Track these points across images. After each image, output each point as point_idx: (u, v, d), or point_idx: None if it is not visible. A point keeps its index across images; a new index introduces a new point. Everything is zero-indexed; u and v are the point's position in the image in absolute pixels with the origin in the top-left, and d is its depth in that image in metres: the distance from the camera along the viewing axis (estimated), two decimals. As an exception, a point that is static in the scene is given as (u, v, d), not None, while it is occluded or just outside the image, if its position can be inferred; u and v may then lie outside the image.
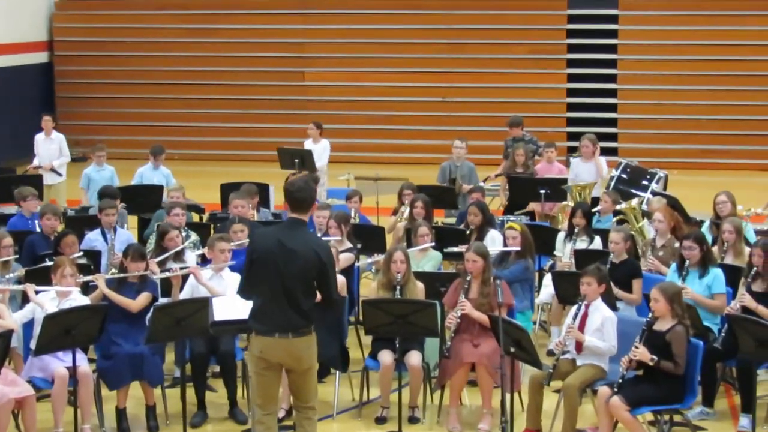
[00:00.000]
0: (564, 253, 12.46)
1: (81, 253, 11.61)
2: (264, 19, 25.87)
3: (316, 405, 8.59)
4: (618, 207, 13.52)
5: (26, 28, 26.01)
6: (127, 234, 13.20)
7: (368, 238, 12.91)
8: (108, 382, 10.07)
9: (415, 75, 25.18)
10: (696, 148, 23.64)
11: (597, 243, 12.32)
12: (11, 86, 22.81)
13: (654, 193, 14.60)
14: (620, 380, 9.25)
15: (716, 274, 10.67)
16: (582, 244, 12.39)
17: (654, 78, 24.76)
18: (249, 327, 8.27)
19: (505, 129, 17.81)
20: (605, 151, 18.69)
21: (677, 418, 9.55)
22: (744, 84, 24.26)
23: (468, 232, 12.60)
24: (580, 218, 12.69)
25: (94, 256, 12.03)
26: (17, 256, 11.67)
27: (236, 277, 10.37)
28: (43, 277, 10.54)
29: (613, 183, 15.23)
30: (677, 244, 11.19)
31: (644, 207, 13.76)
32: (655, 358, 9.11)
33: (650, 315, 9.42)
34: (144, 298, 10.32)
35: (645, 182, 15.25)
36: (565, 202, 14.74)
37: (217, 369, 10.50)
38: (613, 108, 24.97)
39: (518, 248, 11.82)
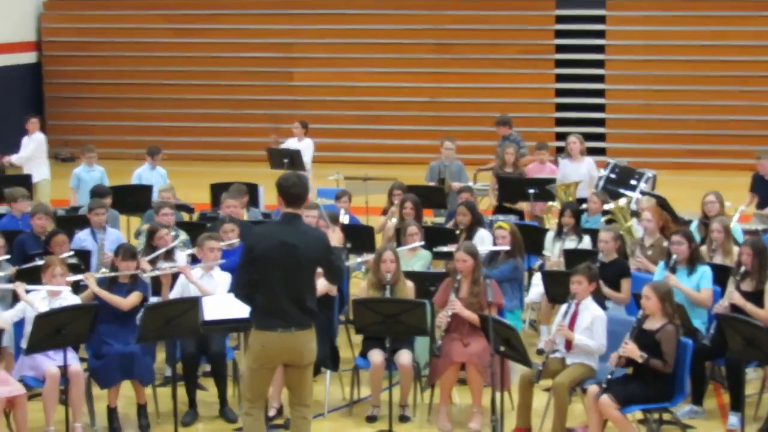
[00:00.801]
0: (553, 252, 12.49)
1: (71, 253, 11.60)
2: (252, 19, 25.88)
3: (311, 405, 8.65)
4: (606, 207, 13.56)
5: (14, 28, 25.99)
6: (117, 233, 13.19)
7: (358, 237, 12.94)
8: (99, 381, 10.08)
9: (404, 75, 25.20)
10: (684, 148, 23.70)
11: (586, 242, 12.36)
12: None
13: (643, 193, 14.64)
14: (609, 377, 9.30)
15: (704, 272, 10.72)
16: (571, 243, 12.42)
17: (642, 78, 24.80)
18: (250, 323, 8.27)
19: (493, 129, 17.84)
20: (594, 152, 18.81)
21: (666, 416, 9.60)
22: (731, 84, 24.34)
23: (457, 231, 12.62)
24: (569, 218, 12.73)
25: (84, 255, 12.04)
26: (8, 256, 11.69)
27: (227, 277, 10.45)
28: (33, 277, 10.54)
29: (601, 183, 15.24)
30: (666, 244, 11.24)
31: (633, 207, 13.81)
32: (645, 355, 9.15)
33: (641, 312, 9.46)
34: (135, 296, 10.34)
35: (633, 182, 15.28)
36: (552, 203, 14.78)
37: (208, 368, 10.51)
38: (601, 108, 25.02)
39: (508, 248, 11.88)
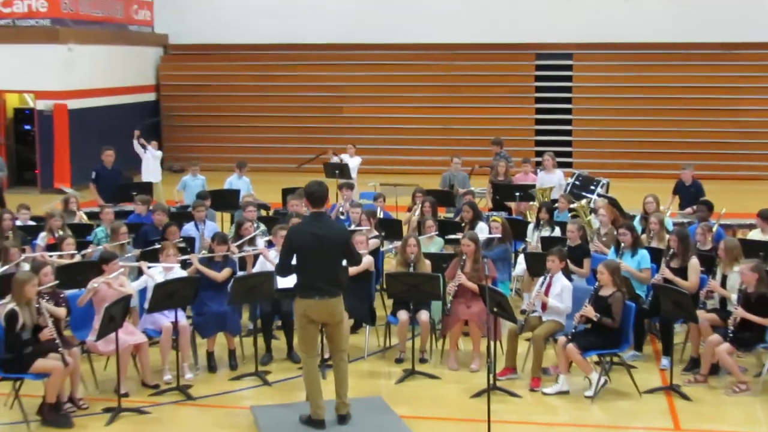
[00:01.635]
0: (533, 239, 12.45)
1: (181, 239, 11.69)
2: (313, 68, 26.04)
3: (347, 349, 8.60)
4: (572, 206, 13.51)
5: (140, 75, 26.20)
6: (213, 225, 13.27)
7: (390, 228, 12.93)
8: (201, 333, 10.16)
9: (424, 109, 25.24)
10: (630, 162, 23.68)
11: (557, 232, 12.31)
12: (128, 118, 22.89)
13: (599, 195, 14.58)
14: (573, 330, 9.33)
15: (644, 254, 10.68)
16: (546, 232, 12.39)
17: (599, 111, 24.88)
18: (297, 293, 8.25)
19: (489, 148, 17.81)
20: (563, 165, 18.73)
21: (616, 359, 9.58)
22: (663, 115, 24.41)
23: (463, 224, 12.60)
24: (545, 213, 12.69)
25: (189, 241, 12.10)
26: (131, 240, 11.77)
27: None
28: (153, 257, 10.67)
29: (568, 188, 15.23)
30: (616, 233, 11.21)
31: (592, 205, 13.74)
32: (599, 315, 9.19)
33: (597, 284, 9.49)
34: (226, 272, 10.41)
35: (592, 187, 15.22)
36: (532, 202, 14.76)
37: (280, 323, 10.53)
38: (568, 133, 25.05)
39: (500, 236, 11.87)
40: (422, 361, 10.14)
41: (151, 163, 18.20)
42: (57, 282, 9.24)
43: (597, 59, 25.11)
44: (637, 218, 12.61)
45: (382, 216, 13.47)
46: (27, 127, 23.20)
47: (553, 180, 15.74)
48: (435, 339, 10.58)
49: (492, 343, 8.94)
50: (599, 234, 12.12)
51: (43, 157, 22.56)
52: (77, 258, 11.14)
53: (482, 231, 12.09)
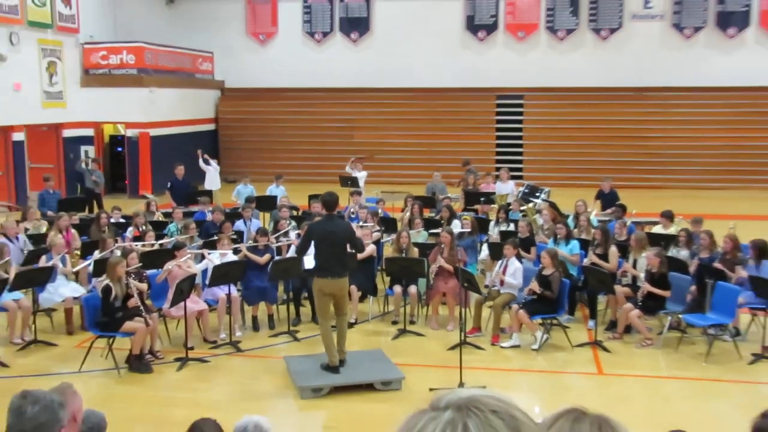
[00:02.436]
0: (494, 232, 12.42)
1: (233, 233, 11.66)
2: (331, 104, 25.94)
3: (347, 313, 8.69)
4: (522, 208, 13.47)
5: (204, 110, 26.15)
6: (258, 222, 13.22)
7: (388, 224, 12.90)
8: (247, 301, 10.17)
9: (413, 136, 25.13)
10: (566, 175, 23.51)
11: (512, 227, 12.27)
12: (194, 142, 22.90)
13: (543, 200, 14.55)
14: (524, 300, 9.30)
15: (575, 244, 10.66)
16: (503, 227, 12.35)
17: (543, 137, 24.76)
18: (315, 273, 8.25)
19: (460, 165, 17.80)
20: (515, 177, 18.70)
21: (555, 322, 9.56)
22: (588, 140, 24.29)
23: (442, 221, 12.57)
24: (502, 213, 12.68)
25: (240, 234, 12.08)
26: (197, 233, 11.76)
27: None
28: (212, 246, 10.65)
29: (520, 194, 15.19)
30: (555, 228, 11.17)
31: (537, 207, 13.70)
32: (542, 289, 9.15)
33: (540, 266, 9.45)
34: (267, 257, 10.39)
35: (538, 194, 15.19)
36: (493, 205, 14.72)
37: (306, 295, 10.50)
38: (520, 154, 24.94)
39: (469, 230, 11.85)
40: (411, 323, 10.13)
41: (212, 175, 18.17)
42: (141, 264, 9.27)
43: (541, 99, 25.03)
44: (571, 217, 12.57)
45: (382, 215, 13.46)
46: (119, 149, 23.20)
47: (507, 189, 15.73)
48: (421, 306, 10.57)
49: (463, 310, 8.95)
50: (542, 228, 12.09)
51: (131, 171, 22.55)
52: (156, 246, 11.13)
53: (456, 226, 12.08)
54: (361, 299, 10.64)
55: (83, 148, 21.96)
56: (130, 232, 12.01)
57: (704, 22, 24.51)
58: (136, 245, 10.91)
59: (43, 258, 10.03)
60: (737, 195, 22.35)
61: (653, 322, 9.84)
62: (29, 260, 10.31)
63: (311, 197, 14.81)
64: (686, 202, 18.77)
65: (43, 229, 12.31)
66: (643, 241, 10.10)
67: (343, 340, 8.30)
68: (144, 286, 9.02)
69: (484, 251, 11.98)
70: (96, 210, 15.56)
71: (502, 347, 9.23)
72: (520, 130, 25.10)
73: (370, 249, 10.16)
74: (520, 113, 25.17)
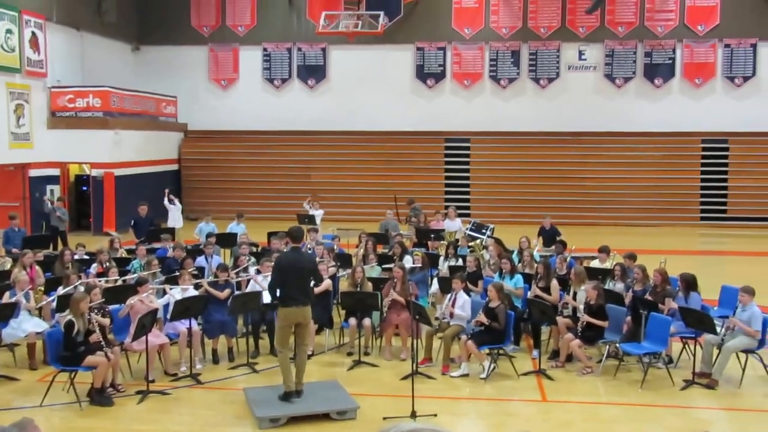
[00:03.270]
0: (443, 267, 12.44)
1: (194, 269, 11.46)
2: (290, 146, 25.93)
3: (308, 344, 8.58)
4: (470, 243, 13.56)
5: (168, 151, 25.88)
6: (219, 258, 13.03)
7: (343, 260, 12.83)
8: (208, 335, 9.93)
9: (367, 176, 25.30)
10: (509, 213, 23.83)
11: (460, 262, 12.31)
12: (158, 182, 22.59)
13: (488, 236, 14.68)
14: (472, 331, 9.29)
15: (519, 278, 10.74)
16: (452, 262, 12.39)
17: (488, 177, 25.12)
18: (280, 303, 8.10)
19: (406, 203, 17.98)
20: (463, 215, 18.85)
21: (501, 351, 9.56)
22: (530, 181, 24.69)
23: (394, 257, 12.57)
24: (451, 249, 12.73)
25: (201, 270, 11.88)
26: (160, 269, 11.54)
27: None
28: (174, 281, 10.43)
29: (467, 231, 15.31)
30: (500, 263, 11.24)
31: (483, 243, 13.81)
32: (489, 321, 9.16)
33: (487, 299, 9.47)
34: (227, 292, 10.20)
35: (484, 230, 15.33)
36: (442, 242, 14.78)
37: (265, 328, 10.34)
38: (467, 193, 25.20)
39: (420, 265, 11.85)
40: (366, 354, 10.02)
41: (175, 213, 17.92)
42: (103, 299, 9.01)
43: (486, 142, 25.48)
44: (515, 252, 12.70)
45: (338, 251, 13.40)
46: (84, 188, 22.83)
47: (455, 226, 15.83)
48: (375, 338, 10.47)
49: (415, 341, 8.90)
50: (489, 263, 12.17)
51: (95, 209, 22.17)
52: (119, 282, 10.87)
53: (408, 262, 12.08)
54: (318, 332, 10.51)
55: (49, 187, 21.49)
56: (94, 268, 11.72)
57: (633, 72, 25.35)
58: (100, 281, 10.64)
59: (7, 294, 9.72)
60: (665, 231, 22.94)
61: (593, 351, 9.91)
62: (-7, 296, 9.96)
63: (270, 234, 14.68)
64: (620, 238, 19.16)
65: (8, 266, 11.96)
66: (582, 275, 10.23)
67: (302, 370, 8.17)
68: (106, 321, 8.77)
69: (435, 285, 11.99)
70: (60, 247, 15.19)
71: (452, 376, 9.16)
72: (467, 170, 25.45)
73: (326, 283, 10.08)
74: (467, 155, 25.52)
